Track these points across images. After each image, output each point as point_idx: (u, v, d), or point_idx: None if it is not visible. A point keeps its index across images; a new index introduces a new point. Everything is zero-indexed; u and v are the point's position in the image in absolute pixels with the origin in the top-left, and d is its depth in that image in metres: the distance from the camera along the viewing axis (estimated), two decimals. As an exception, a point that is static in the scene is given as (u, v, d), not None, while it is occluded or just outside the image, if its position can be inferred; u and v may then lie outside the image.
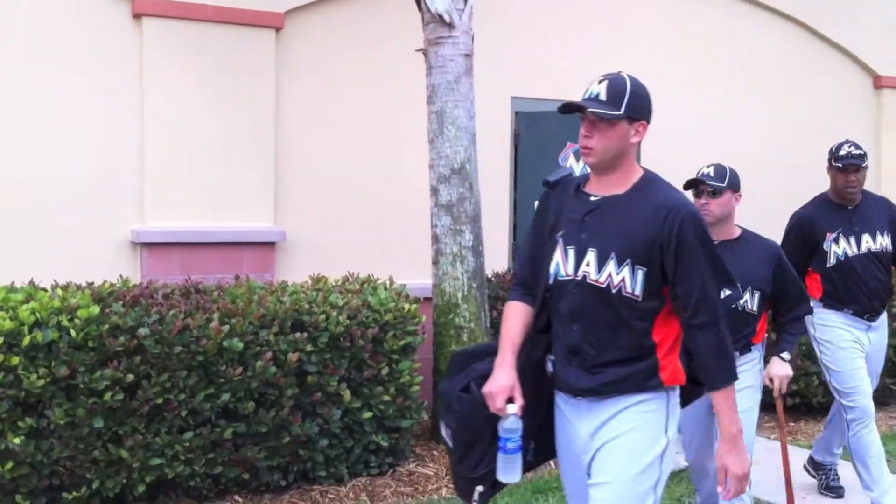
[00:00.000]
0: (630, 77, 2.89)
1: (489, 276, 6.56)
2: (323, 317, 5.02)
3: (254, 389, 4.81)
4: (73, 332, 4.40)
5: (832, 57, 8.99)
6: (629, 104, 2.83)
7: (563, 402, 2.95)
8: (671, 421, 2.88)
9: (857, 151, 4.91)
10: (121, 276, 5.29)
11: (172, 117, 6.08)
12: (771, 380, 4.26)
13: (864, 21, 9.03)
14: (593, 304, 2.81)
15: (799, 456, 5.85)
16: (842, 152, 4.93)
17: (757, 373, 4.20)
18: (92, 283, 4.99)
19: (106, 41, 5.97)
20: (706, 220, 4.12)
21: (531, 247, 3.06)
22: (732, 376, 2.84)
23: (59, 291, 4.72)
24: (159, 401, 4.58)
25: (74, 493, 4.53)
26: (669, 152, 7.26)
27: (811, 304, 4.38)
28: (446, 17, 5.87)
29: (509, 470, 2.86)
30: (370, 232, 6.70)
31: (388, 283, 5.65)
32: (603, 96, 2.83)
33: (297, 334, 4.93)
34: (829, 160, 5.01)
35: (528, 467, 2.99)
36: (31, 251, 5.72)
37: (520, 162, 7.36)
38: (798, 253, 4.94)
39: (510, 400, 2.82)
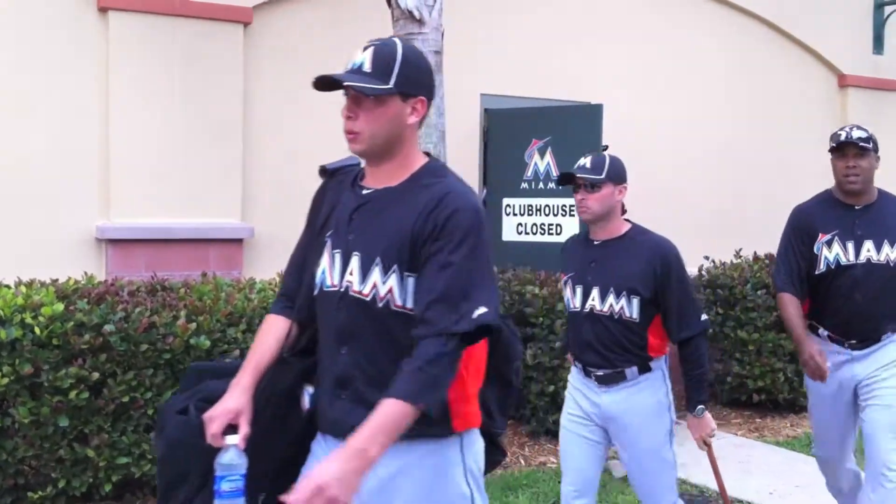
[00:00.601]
0: (403, 43, 2.32)
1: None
2: (291, 314, 4.98)
3: (222, 387, 4.76)
4: (37, 330, 4.32)
5: (797, 55, 9.08)
6: (401, 76, 2.26)
7: (327, 446, 2.31)
8: (471, 472, 2.36)
9: (860, 133, 4.02)
10: (85, 273, 5.22)
11: (138, 112, 6.01)
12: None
13: (830, 20, 9.12)
14: (361, 321, 2.26)
15: (765, 453, 5.90)
16: (841, 134, 4.07)
17: (664, 396, 3.67)
18: (56, 280, 4.92)
19: (71, 34, 5.89)
20: (584, 217, 3.65)
21: (300, 248, 2.53)
22: (416, 397, 2.10)
23: (23, 288, 4.64)
24: (125, 399, 4.52)
25: (40, 493, 4.46)
26: (631, 150, 7.28)
27: (705, 319, 3.64)
28: (416, 14, 5.84)
29: None
30: (339, 229, 6.66)
31: (357, 280, 5.61)
32: (367, 67, 2.25)
33: (266, 332, 4.88)
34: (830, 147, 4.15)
35: None
36: (-6, 247, 5.64)
37: (489, 159, 7.36)
38: (794, 253, 4.17)
39: (233, 429, 2.23)
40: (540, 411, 6.01)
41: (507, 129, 7.24)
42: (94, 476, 4.56)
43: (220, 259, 6.16)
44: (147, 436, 4.59)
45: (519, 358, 2.53)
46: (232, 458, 2.19)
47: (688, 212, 7.86)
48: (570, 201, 6.71)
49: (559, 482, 5.48)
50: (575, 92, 7.49)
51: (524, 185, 7.11)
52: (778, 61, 8.91)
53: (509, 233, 7.18)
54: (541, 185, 7.02)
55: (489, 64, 7.32)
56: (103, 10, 5.93)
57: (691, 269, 5.26)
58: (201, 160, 6.20)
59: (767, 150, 8.61)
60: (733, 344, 6.85)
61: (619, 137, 7.14)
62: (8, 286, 4.73)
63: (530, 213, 7.08)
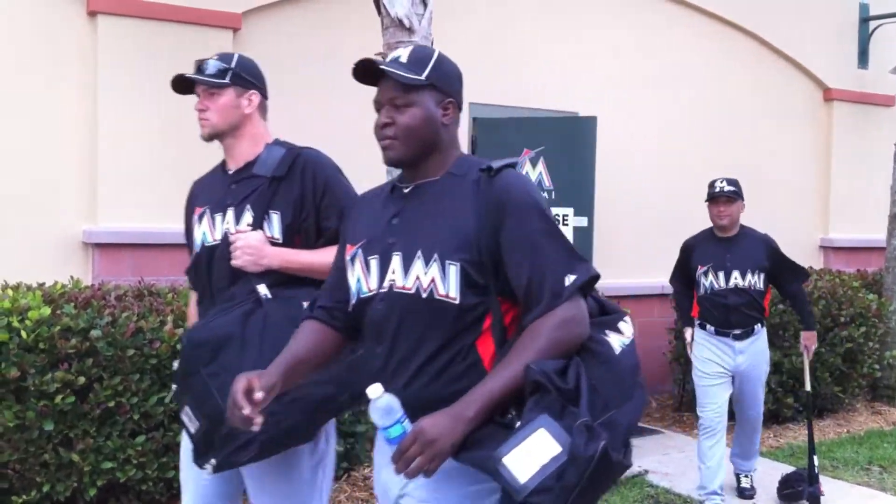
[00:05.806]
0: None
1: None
2: (279, 320, 4.97)
3: (208, 393, 4.75)
4: (23, 334, 4.31)
5: (782, 69, 9.15)
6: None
7: None
8: None
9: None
10: (72, 277, 5.21)
11: (126, 117, 6.00)
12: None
13: (815, 34, 9.20)
14: None
15: (767, 467, 5.93)
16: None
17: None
18: (43, 284, 4.91)
19: (60, 39, 5.88)
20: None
21: None
22: None
23: (10, 292, 4.63)
24: (111, 404, 4.51)
25: (24, 497, 4.44)
26: (616, 159, 7.33)
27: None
28: (406, 22, 5.86)
29: None
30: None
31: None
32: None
33: (253, 337, 4.88)
34: None
35: None
36: (-20, 250, 5.61)
37: (477, 168, 7.35)
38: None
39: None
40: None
41: (495, 138, 7.25)
42: (79, 481, 4.54)
43: (207, 264, 6.14)
44: (132, 440, 4.59)
45: None
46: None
47: (671, 223, 7.90)
48: (564, 210, 6.73)
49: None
50: (562, 102, 7.53)
51: (513, 194, 7.07)
52: (764, 74, 8.98)
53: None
54: (533, 194, 7.01)
55: (478, 73, 7.32)
56: (92, 14, 5.92)
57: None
58: (189, 165, 6.11)
59: (752, 163, 8.66)
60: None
61: (605, 147, 7.22)
62: (-6, 289, 4.73)
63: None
